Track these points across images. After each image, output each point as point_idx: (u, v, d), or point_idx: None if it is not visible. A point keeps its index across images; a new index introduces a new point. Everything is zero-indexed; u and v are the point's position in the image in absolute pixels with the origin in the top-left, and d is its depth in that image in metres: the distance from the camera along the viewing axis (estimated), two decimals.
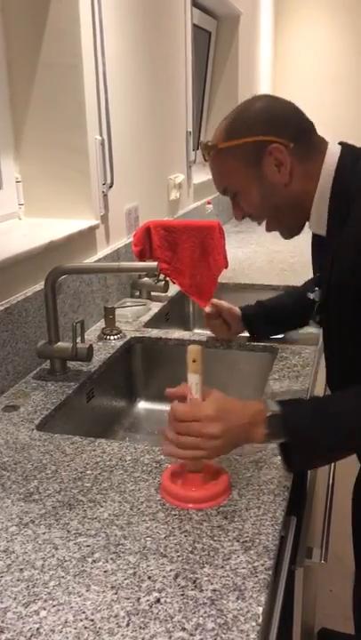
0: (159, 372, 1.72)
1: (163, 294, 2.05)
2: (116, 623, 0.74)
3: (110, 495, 0.99)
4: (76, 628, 0.73)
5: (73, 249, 1.69)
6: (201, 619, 0.74)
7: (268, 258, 2.59)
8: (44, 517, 0.94)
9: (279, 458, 1.01)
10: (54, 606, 0.77)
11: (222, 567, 0.82)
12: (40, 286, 1.48)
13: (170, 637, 0.72)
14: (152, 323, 1.85)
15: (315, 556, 1.10)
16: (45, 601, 0.78)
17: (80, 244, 1.73)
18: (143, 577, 0.81)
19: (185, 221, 2.19)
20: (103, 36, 1.71)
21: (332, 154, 1.08)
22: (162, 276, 2.03)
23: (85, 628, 0.73)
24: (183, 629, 0.73)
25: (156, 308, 1.96)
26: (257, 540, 0.87)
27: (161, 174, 2.39)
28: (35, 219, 1.77)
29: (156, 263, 1.46)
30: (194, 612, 0.75)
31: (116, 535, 0.89)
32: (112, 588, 0.79)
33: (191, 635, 0.72)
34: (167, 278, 2.03)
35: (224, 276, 2.18)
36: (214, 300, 1.57)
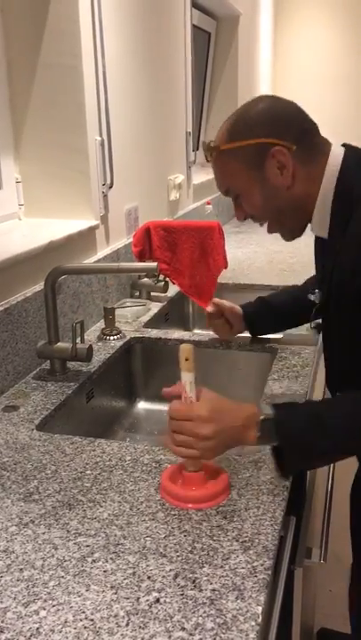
0: (159, 373, 1.72)
1: (162, 295, 2.05)
2: (116, 623, 0.74)
3: (110, 495, 0.99)
4: (75, 628, 0.73)
5: (73, 249, 1.69)
6: (200, 618, 0.74)
7: (267, 258, 2.59)
8: (44, 517, 0.94)
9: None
10: (54, 606, 0.77)
11: (222, 567, 0.83)
12: (40, 287, 1.48)
13: (169, 637, 0.72)
14: (152, 323, 1.85)
15: (314, 555, 1.10)
16: (45, 601, 0.78)
17: (80, 245, 1.73)
18: (143, 577, 0.81)
19: (185, 222, 2.20)
20: (103, 36, 1.71)
21: (336, 155, 1.07)
22: (161, 277, 2.04)
23: (85, 627, 0.73)
24: (183, 629, 0.73)
25: (155, 308, 1.96)
26: (256, 540, 0.87)
27: (161, 175, 2.40)
28: (34, 219, 1.77)
29: (155, 263, 1.46)
30: (193, 612, 0.75)
31: (115, 535, 0.89)
32: (112, 587, 0.79)
33: (191, 634, 0.72)
34: (167, 279, 2.03)
35: (224, 277, 2.18)
36: (216, 300, 1.56)
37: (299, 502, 1.18)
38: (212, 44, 3.58)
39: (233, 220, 3.55)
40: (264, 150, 1.06)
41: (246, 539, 0.88)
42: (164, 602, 0.77)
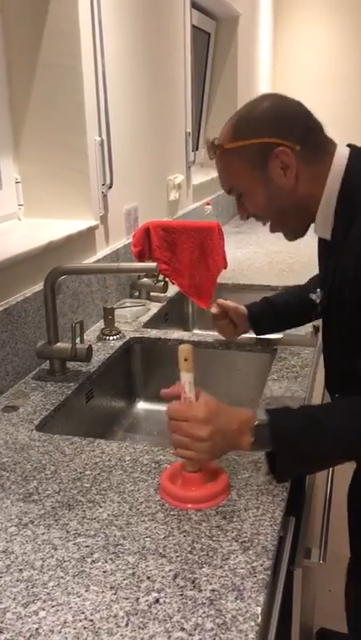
0: (158, 373, 1.72)
1: (162, 295, 2.05)
2: (115, 623, 0.74)
3: (109, 495, 0.99)
4: (75, 629, 0.73)
5: (72, 249, 1.69)
6: (200, 619, 0.74)
7: (267, 259, 2.59)
8: (44, 518, 0.94)
9: None
10: (53, 606, 0.77)
11: (221, 567, 0.83)
12: (39, 287, 1.48)
13: (169, 637, 0.72)
14: (151, 323, 1.85)
15: (313, 556, 1.10)
16: (45, 601, 0.78)
17: (79, 245, 1.73)
18: (142, 577, 0.81)
19: (184, 222, 2.20)
20: (103, 36, 1.71)
21: (341, 156, 1.06)
22: (161, 277, 2.04)
23: (85, 628, 0.73)
24: (182, 629, 0.73)
25: (155, 308, 1.96)
26: (256, 541, 0.87)
27: (160, 175, 2.40)
28: (34, 219, 1.77)
29: (155, 264, 1.46)
30: (193, 612, 0.75)
31: (115, 535, 0.89)
32: (111, 588, 0.79)
33: (190, 635, 0.72)
34: (166, 279, 2.03)
35: (223, 277, 2.18)
36: (220, 301, 1.53)
37: (298, 503, 1.18)
38: (212, 44, 3.58)
39: (232, 220, 3.56)
40: (268, 150, 1.05)
41: (246, 539, 0.88)
42: (164, 602, 0.77)
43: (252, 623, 0.73)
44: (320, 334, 1.60)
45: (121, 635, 0.72)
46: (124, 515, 0.94)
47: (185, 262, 2.03)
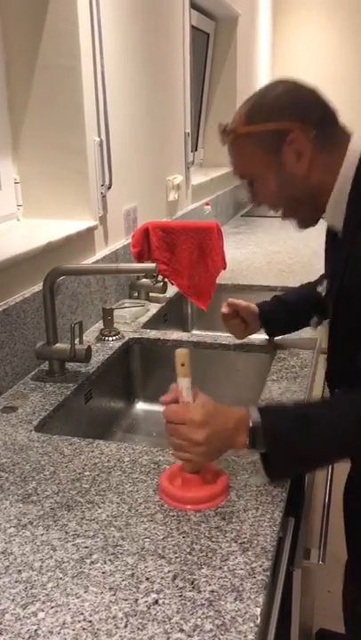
0: (157, 373, 1.72)
1: (161, 295, 2.05)
2: (114, 624, 0.74)
3: (108, 496, 0.99)
4: (74, 630, 0.73)
5: (71, 250, 1.69)
6: (199, 620, 0.74)
7: (266, 259, 2.59)
8: (43, 519, 0.94)
9: None
10: (52, 608, 0.77)
11: (220, 568, 0.82)
12: (38, 287, 1.48)
13: (168, 638, 0.72)
14: (150, 324, 1.85)
15: (313, 556, 1.10)
16: (43, 602, 0.78)
17: (78, 245, 1.73)
18: (141, 578, 0.81)
19: (183, 222, 2.20)
20: (102, 37, 1.71)
21: (356, 144, 1.05)
22: (160, 277, 2.04)
23: (83, 629, 0.73)
24: (181, 630, 0.73)
25: (154, 309, 1.96)
26: (255, 542, 0.87)
27: (159, 175, 2.40)
28: (33, 220, 1.77)
29: (154, 264, 1.45)
30: (192, 614, 0.75)
31: (114, 536, 0.89)
32: (110, 589, 0.79)
33: (189, 636, 0.72)
34: (165, 279, 2.03)
35: (222, 277, 2.18)
36: (230, 300, 1.50)
37: (297, 503, 1.18)
38: (211, 44, 3.58)
39: (232, 220, 3.56)
40: (281, 136, 1.04)
41: (245, 540, 0.88)
42: (163, 603, 0.77)
43: (252, 624, 0.73)
44: (318, 338, 1.60)
45: (120, 636, 0.72)
46: (123, 515, 0.94)
47: (184, 263, 2.03)
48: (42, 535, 0.90)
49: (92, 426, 1.47)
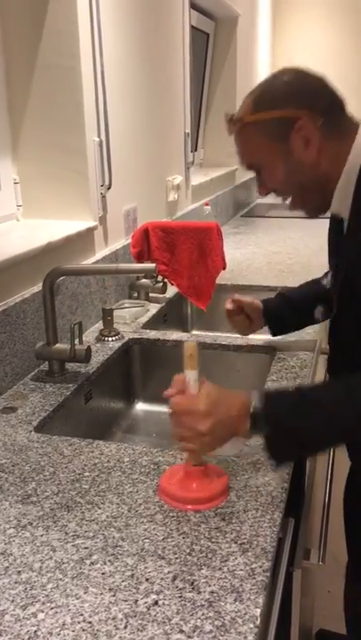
0: (157, 374, 1.72)
1: (161, 295, 2.05)
2: (114, 625, 0.74)
3: (108, 497, 0.99)
4: (73, 631, 0.73)
5: (71, 250, 1.69)
6: (199, 621, 0.74)
7: (266, 259, 2.59)
8: (42, 519, 0.94)
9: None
10: (52, 609, 0.76)
11: (220, 569, 0.82)
12: (38, 288, 1.48)
13: (168, 639, 0.71)
14: (150, 324, 1.85)
15: (313, 557, 1.09)
16: (43, 603, 0.77)
17: (78, 246, 1.73)
18: (141, 579, 0.81)
19: (183, 223, 2.20)
20: (101, 37, 1.71)
21: None
22: (160, 278, 2.03)
23: (83, 630, 0.73)
24: (181, 631, 0.73)
25: (154, 309, 1.96)
26: (255, 542, 0.87)
27: (159, 175, 2.40)
28: (33, 220, 1.77)
29: (154, 264, 1.45)
30: (192, 614, 0.75)
31: (114, 537, 0.89)
32: (110, 590, 0.79)
33: (189, 637, 0.72)
34: (165, 280, 2.03)
35: (222, 278, 2.18)
36: (236, 296, 1.49)
37: (297, 504, 1.18)
38: (211, 45, 3.58)
39: (232, 220, 3.56)
40: (289, 123, 1.03)
41: (245, 540, 0.88)
42: (163, 604, 0.77)
43: (252, 625, 0.73)
44: (318, 339, 1.60)
45: (120, 637, 0.72)
46: (122, 516, 0.94)
47: (184, 263, 2.03)
48: (41, 536, 0.90)
49: (91, 426, 1.47)
